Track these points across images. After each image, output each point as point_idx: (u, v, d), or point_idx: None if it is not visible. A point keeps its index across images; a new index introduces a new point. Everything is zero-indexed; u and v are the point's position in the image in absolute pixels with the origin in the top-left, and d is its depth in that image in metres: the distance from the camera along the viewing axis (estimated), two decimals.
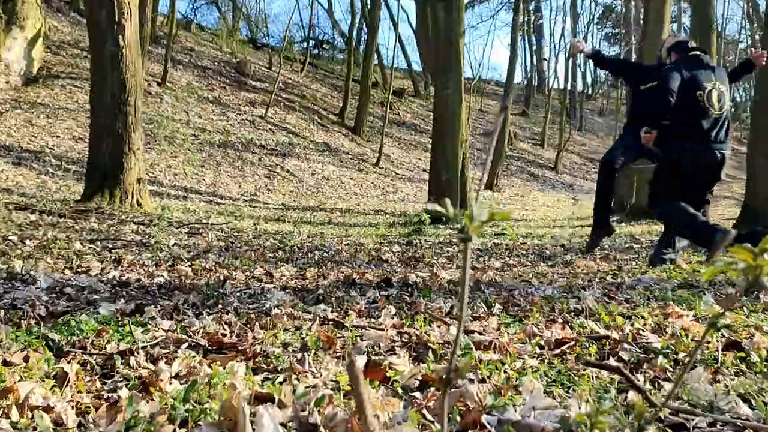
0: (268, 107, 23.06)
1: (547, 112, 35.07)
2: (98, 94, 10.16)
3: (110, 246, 5.75)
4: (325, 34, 43.56)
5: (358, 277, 4.08)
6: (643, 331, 2.36)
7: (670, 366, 1.91)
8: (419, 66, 36.64)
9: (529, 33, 46.06)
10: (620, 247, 8.16)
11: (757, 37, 39.02)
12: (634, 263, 5.87)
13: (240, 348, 2.01)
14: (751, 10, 34.03)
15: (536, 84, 46.96)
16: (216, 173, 17.41)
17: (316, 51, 38.00)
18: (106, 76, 10.04)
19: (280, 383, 1.65)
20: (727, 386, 1.68)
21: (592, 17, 48.06)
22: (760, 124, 8.40)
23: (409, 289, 3.69)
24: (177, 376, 1.70)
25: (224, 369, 1.69)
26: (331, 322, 2.51)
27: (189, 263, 4.59)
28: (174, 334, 2.21)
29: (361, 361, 1.67)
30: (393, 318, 2.60)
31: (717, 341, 2.16)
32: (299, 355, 1.91)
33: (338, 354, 2.05)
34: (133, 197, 10.03)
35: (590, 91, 52.20)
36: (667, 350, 2.07)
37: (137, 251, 5.46)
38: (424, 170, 18.71)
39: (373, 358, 1.87)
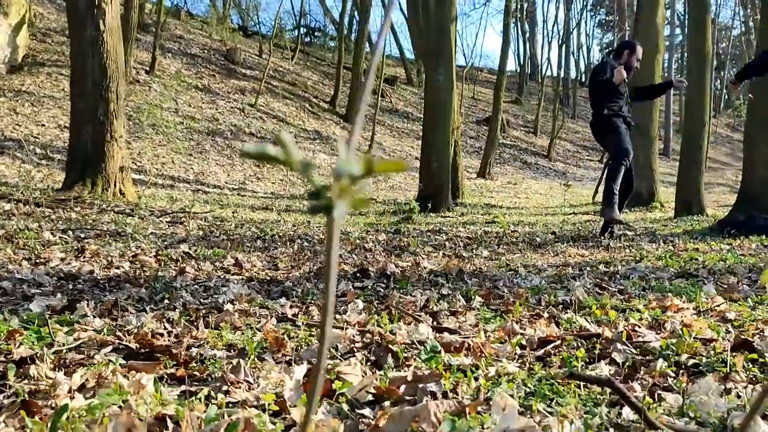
0: (258, 95, 22.75)
1: (540, 99, 34.81)
2: (78, 81, 9.86)
3: (82, 236, 5.50)
4: (317, 21, 43.25)
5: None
6: (639, 327, 2.12)
7: (672, 371, 1.67)
8: (411, 53, 36.30)
9: (522, 20, 45.73)
10: (614, 234, 7.93)
11: (751, 23, 38.81)
12: (628, 251, 5.65)
13: (173, 352, 1.77)
14: None
15: (529, 71, 46.65)
16: (204, 162, 17.14)
17: (307, 39, 37.63)
18: (87, 61, 9.73)
19: (201, 399, 1.40)
20: (740, 396, 1.44)
21: (585, 3, 47.77)
22: (757, 107, 8.16)
23: (386, 281, 3.46)
24: (83, 388, 1.45)
25: (137, 379, 1.44)
26: (288, 320, 2.28)
27: (155, 254, 4.34)
28: (100, 335, 1.96)
29: (299, 372, 1.43)
30: (361, 314, 2.36)
31: (723, 339, 1.93)
32: (235, 362, 1.66)
33: (288, 358, 1.81)
34: (115, 186, 9.76)
35: (583, 79, 51.94)
36: (668, 351, 1.83)
37: (109, 241, 5.21)
38: (416, 158, 18.47)
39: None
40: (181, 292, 2.84)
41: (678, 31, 46.04)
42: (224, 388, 1.48)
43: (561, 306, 2.62)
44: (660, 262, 4.20)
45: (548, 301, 2.71)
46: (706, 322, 2.12)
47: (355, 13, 30.46)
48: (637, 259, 4.40)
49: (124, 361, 1.71)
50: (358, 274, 3.66)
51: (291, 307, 2.51)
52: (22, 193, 8.88)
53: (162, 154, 16.46)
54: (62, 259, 3.93)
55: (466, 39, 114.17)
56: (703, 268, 3.79)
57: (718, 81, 47.85)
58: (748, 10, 31.71)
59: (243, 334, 2.05)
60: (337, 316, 2.30)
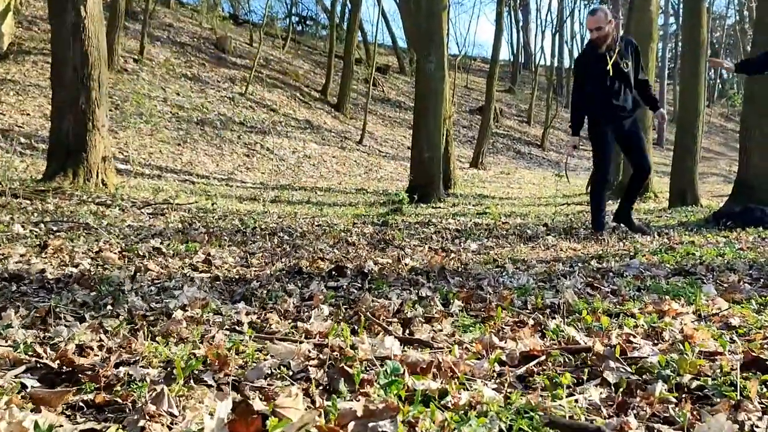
0: (248, 84, 22.47)
1: (533, 88, 34.62)
2: (59, 68, 9.60)
3: (54, 229, 5.28)
4: (309, 10, 42.82)
5: (307, 265, 3.61)
6: (635, 337, 1.92)
7: (674, 397, 1.46)
8: (404, 42, 35.98)
9: (515, 8, 45.46)
10: (606, 226, 7.73)
11: (745, 12, 38.57)
12: (621, 245, 5.45)
13: (97, 372, 1.55)
14: None
15: (523, 60, 46.38)
16: (193, 151, 16.89)
17: (299, 27, 37.27)
18: (68, 48, 9.48)
19: None
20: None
21: None
22: (754, 96, 7.97)
23: (363, 280, 3.25)
24: None
25: (18, 421, 1.19)
26: (242, 329, 2.06)
27: (120, 250, 4.11)
28: (16, 352, 1.73)
29: (223, 408, 1.21)
30: (326, 320, 2.15)
31: (730, 353, 1.73)
32: (158, 388, 1.43)
33: (231, 378, 1.59)
34: (97, 176, 9.52)
35: None
36: (667, 370, 1.61)
37: (80, 235, 4.98)
38: (408, 148, 18.25)
39: (252, 395, 1.41)
40: (130, 295, 2.59)
41: (672, 20, 45.85)
42: (141, 423, 1.26)
43: (549, 310, 2.41)
44: (655, 257, 3.99)
45: (535, 304, 2.50)
46: (709, 331, 1.91)
47: (347, 1, 30.11)
48: (632, 254, 4.20)
49: (37, 384, 1.48)
50: (333, 272, 3.43)
51: (248, 314, 2.30)
52: (1, 184, 8.65)
53: (149, 144, 16.20)
54: (22, 256, 3.71)
55: (459, 28, 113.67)
56: (700, 264, 3.59)
57: (712, 71, 47.66)
58: None
59: (185, 346, 1.83)
60: (299, 324, 2.08)
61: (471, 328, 2.07)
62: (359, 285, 3.06)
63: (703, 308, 2.34)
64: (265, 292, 2.79)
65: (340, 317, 2.23)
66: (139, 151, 15.50)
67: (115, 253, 3.91)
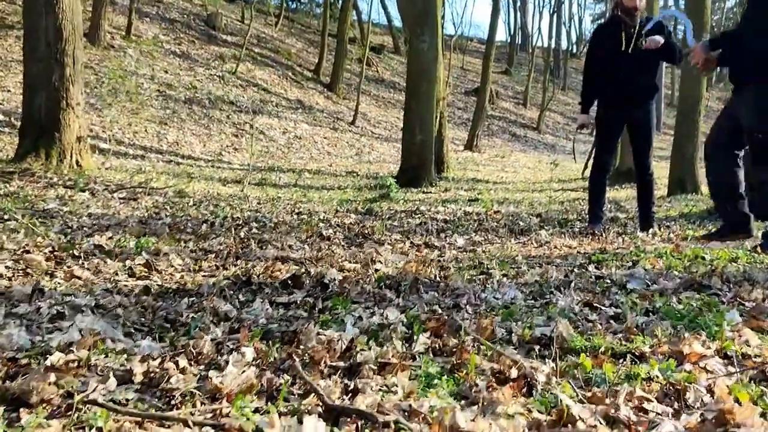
0: (238, 62, 21.94)
1: (530, 70, 34.11)
2: (31, 41, 9.13)
3: (6, 218, 4.85)
4: None
5: (262, 272, 3.17)
6: (649, 401, 1.51)
7: None
8: (400, 21, 35.41)
9: None
10: (604, 216, 7.33)
11: None
12: (621, 240, 5.05)
13: None
14: None
15: (520, 42, 45.79)
16: (179, 131, 16.41)
17: (293, 5, 36.65)
18: (40, 21, 9.00)
19: None
20: None
21: None
22: None
23: (322, 293, 2.82)
24: None
25: None
26: (131, 383, 1.64)
27: (53, 249, 3.67)
28: None
29: None
30: (245, 370, 1.70)
31: None
32: None
33: None
34: (71, 157, 9.07)
35: (575, 50, 51.19)
36: None
37: (33, 223, 4.56)
38: (401, 129, 17.80)
39: None
40: (9, 325, 2.11)
41: (672, 1, 45.28)
42: None
43: (538, 346, 1.99)
44: (661, 260, 3.57)
45: (522, 335, 2.08)
46: (747, 394, 1.51)
47: None
48: (634, 257, 3.76)
49: None
50: (288, 283, 3.00)
51: (145, 359, 1.80)
52: None
53: (135, 123, 15.72)
54: None
55: (456, 7, 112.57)
56: (713, 273, 3.17)
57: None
58: None
59: (38, 414, 1.42)
60: (210, 375, 1.62)
61: (436, 381, 1.65)
62: (312, 303, 2.63)
63: (728, 345, 1.93)
64: (192, 315, 2.37)
65: (269, 360, 1.81)
66: (124, 131, 15.03)
67: (44, 254, 3.47)
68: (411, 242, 4.76)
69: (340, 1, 28.75)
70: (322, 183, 12.94)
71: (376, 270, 3.19)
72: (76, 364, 1.69)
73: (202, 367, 1.79)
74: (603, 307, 2.52)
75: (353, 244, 4.62)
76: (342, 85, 25.04)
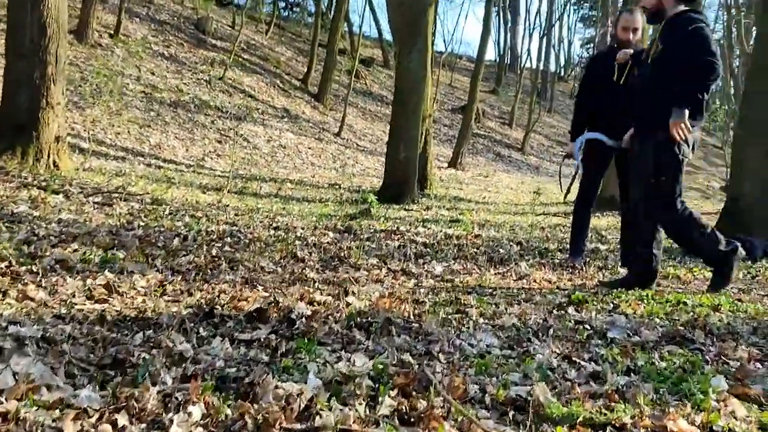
0: (226, 68, 21.80)
1: (517, 91, 34.19)
2: (14, 37, 8.97)
3: None
4: None
5: (227, 302, 3.01)
6: None
7: None
8: (390, 35, 35.42)
9: (504, 9, 45.01)
10: (586, 249, 7.24)
11: (733, 28, 38.35)
12: (601, 275, 4.97)
13: None
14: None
15: (509, 62, 45.93)
16: (163, 134, 16.24)
17: (285, 13, 36.55)
18: (25, 17, 8.85)
19: None
20: None
21: None
22: (748, 120, 7.52)
23: (288, 329, 2.69)
24: None
25: None
26: None
27: (8, 264, 3.50)
28: None
29: None
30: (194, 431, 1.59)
31: None
32: None
33: None
34: (48, 157, 8.90)
35: (563, 73, 51.44)
36: None
37: None
38: (387, 143, 17.71)
39: None
40: None
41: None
42: None
43: (513, 411, 1.89)
44: (642, 306, 3.48)
45: (496, 396, 1.97)
46: None
47: None
48: (615, 298, 3.67)
49: None
50: (254, 315, 2.86)
51: (77, 417, 1.63)
52: None
53: (118, 124, 15.53)
54: None
55: (447, 24, 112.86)
56: (696, 323, 3.08)
57: None
58: (732, 12, 31.22)
59: None
60: None
61: None
62: (275, 345, 2.49)
63: (714, 419, 1.83)
64: (144, 356, 2.22)
65: (220, 419, 1.69)
66: (106, 131, 14.84)
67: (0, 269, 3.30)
68: (388, 268, 4.65)
69: (332, 12, 28.70)
70: (304, 194, 12.81)
71: (348, 304, 3.07)
72: (0, 418, 1.55)
73: (143, 426, 1.66)
74: (582, 362, 2.42)
75: (328, 267, 4.50)
76: (329, 96, 24.96)
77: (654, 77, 4.43)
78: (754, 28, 27.84)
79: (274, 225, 6.59)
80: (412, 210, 11.33)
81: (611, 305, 3.46)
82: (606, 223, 11.41)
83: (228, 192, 11.08)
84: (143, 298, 3.01)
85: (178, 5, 26.25)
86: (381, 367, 2.14)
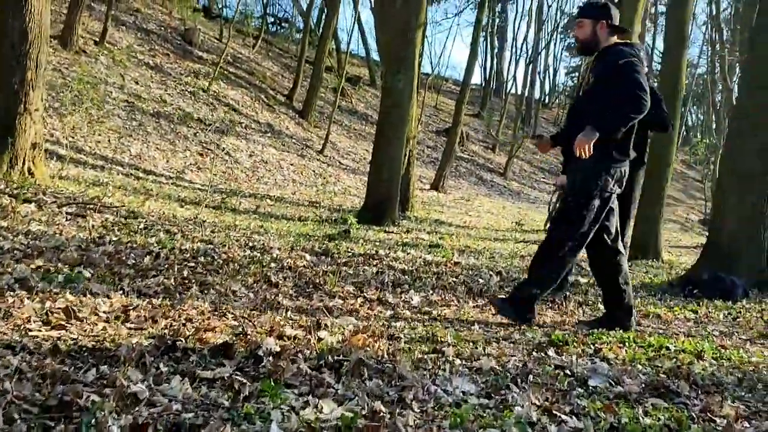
0: (212, 80, 21.65)
1: (502, 116, 34.33)
2: None
3: None
4: (285, 11, 41.99)
5: (191, 334, 2.83)
6: None
7: None
8: (378, 54, 35.44)
9: (492, 35, 45.24)
10: (567, 284, 7.13)
11: (717, 63, 38.75)
12: (581, 312, 4.87)
13: None
14: (715, 34, 33.64)
15: (494, 87, 46.10)
16: (144, 144, 16.06)
17: (273, 28, 36.48)
18: (6, 20, 8.69)
19: None
20: None
21: (556, 25, 47.41)
22: (732, 155, 7.50)
23: (253, 366, 2.55)
24: None
25: None
26: None
27: None
28: None
29: None
30: None
31: None
32: None
33: None
34: (24, 164, 8.71)
35: (547, 100, 51.76)
36: None
37: None
38: (370, 163, 17.65)
39: None
40: None
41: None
42: None
43: None
44: (623, 350, 3.37)
45: None
46: None
47: (324, 6, 29.38)
48: (597, 340, 3.56)
49: None
50: (219, 349, 2.70)
51: None
52: None
53: (98, 132, 15.33)
54: None
55: (435, 47, 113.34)
56: (680, 374, 2.98)
57: (679, 118, 47.91)
58: (717, 48, 31.55)
59: None
60: None
61: None
62: (238, 387, 2.34)
63: None
64: (93, 399, 2.07)
65: None
66: (86, 138, 14.63)
67: None
68: (364, 297, 4.52)
69: (321, 29, 28.67)
70: (283, 212, 12.67)
71: (320, 339, 2.92)
72: None
73: None
74: (564, 416, 2.31)
75: (302, 293, 4.37)
76: (314, 113, 24.87)
77: (583, 109, 4.40)
78: (737, 63, 28.15)
79: (250, 244, 6.45)
80: (392, 232, 11.22)
81: (592, 348, 3.35)
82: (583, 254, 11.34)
83: (206, 207, 10.93)
84: (104, 324, 2.83)
85: (165, 15, 26.11)
86: (350, 416, 2.02)
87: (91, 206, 7.47)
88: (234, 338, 2.73)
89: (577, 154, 4.17)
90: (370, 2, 30.85)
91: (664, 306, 5.64)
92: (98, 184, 10.44)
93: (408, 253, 7.69)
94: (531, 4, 52.11)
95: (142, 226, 6.69)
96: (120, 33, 21.73)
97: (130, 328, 2.77)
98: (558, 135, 4.86)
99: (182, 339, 2.68)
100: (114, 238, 5.48)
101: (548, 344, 3.27)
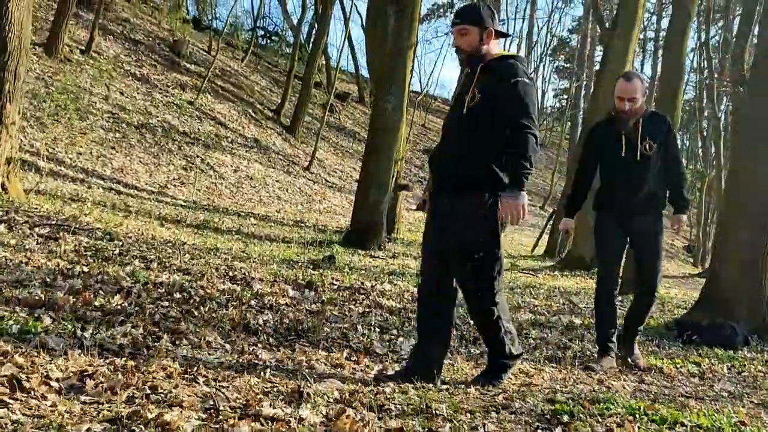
0: (199, 93, 21.34)
1: None
2: None
3: None
4: (276, 25, 41.80)
5: (152, 418, 2.37)
6: None
7: None
8: (367, 71, 35.31)
9: None
10: (557, 318, 6.85)
11: (704, 90, 38.88)
12: (577, 357, 4.59)
13: None
14: (704, 62, 33.71)
15: None
16: (126, 157, 15.72)
17: (263, 41, 36.24)
18: None
19: None
20: None
21: (546, 48, 47.60)
22: (737, 199, 7.25)
23: None
24: None
25: None
26: None
27: None
28: None
29: None
30: None
31: None
32: None
33: None
34: None
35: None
36: None
37: None
38: (356, 180, 17.37)
39: None
40: None
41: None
42: None
43: None
44: (635, 426, 3.06)
45: None
46: None
47: (315, 21, 29.19)
48: (605, 409, 3.25)
49: None
50: None
51: None
52: None
53: (80, 143, 14.97)
54: None
55: (425, 65, 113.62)
56: None
57: None
58: (705, 74, 31.62)
59: None
60: None
61: None
62: None
63: None
64: None
65: None
66: (68, 150, 14.27)
67: None
68: (350, 347, 4.22)
69: (311, 44, 28.46)
70: (267, 232, 12.35)
71: (301, 419, 2.57)
72: None
73: None
74: None
75: (284, 343, 4.05)
76: (302, 129, 24.63)
77: (465, 127, 3.77)
78: (724, 89, 28.17)
79: (231, 274, 6.14)
80: (378, 257, 10.93)
81: (601, 423, 3.03)
82: (575, 285, 11.12)
83: (187, 226, 10.61)
84: (54, 398, 2.45)
85: (154, 26, 25.83)
86: None
87: (66, 227, 7.13)
88: (202, 424, 2.38)
89: (516, 224, 3.82)
90: (361, 19, 30.71)
91: (664, 355, 5.38)
92: (76, 199, 10.09)
93: (395, 285, 7.40)
94: (522, 25, 52.33)
95: (117, 251, 6.35)
96: (107, 42, 21.41)
97: (84, 403, 2.41)
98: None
99: (141, 427, 2.30)
100: (84, 269, 5.13)
101: (552, 416, 2.98)
